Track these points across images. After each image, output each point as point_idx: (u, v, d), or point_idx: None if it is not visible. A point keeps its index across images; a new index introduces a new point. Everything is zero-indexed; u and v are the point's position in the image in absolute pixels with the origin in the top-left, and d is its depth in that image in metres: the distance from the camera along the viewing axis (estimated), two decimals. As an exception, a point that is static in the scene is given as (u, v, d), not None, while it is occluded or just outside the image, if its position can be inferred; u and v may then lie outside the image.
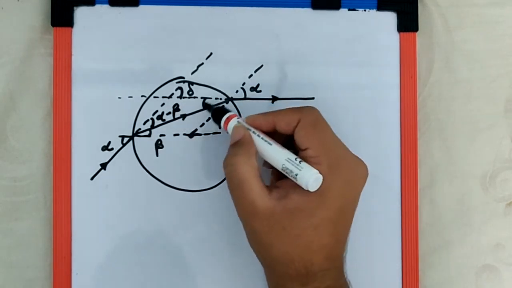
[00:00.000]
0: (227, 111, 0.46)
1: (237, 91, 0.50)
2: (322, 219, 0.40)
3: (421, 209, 0.51)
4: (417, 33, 0.51)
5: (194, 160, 0.49)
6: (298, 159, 0.41)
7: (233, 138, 0.43)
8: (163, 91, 0.49)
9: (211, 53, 0.50)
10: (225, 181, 0.49)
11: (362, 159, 0.43)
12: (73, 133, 0.48)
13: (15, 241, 0.49)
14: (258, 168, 0.41)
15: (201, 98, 0.49)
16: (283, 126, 0.43)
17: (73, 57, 0.49)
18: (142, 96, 0.49)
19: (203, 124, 0.49)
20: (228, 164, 0.42)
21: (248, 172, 0.41)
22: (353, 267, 0.49)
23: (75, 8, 0.49)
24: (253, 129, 0.43)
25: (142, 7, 0.50)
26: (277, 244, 0.40)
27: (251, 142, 0.43)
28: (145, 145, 0.49)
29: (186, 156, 0.49)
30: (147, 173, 0.49)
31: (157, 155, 0.49)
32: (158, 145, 0.49)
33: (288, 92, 0.50)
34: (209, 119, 0.49)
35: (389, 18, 0.51)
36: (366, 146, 0.50)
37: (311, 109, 0.43)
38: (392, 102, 0.51)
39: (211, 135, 0.49)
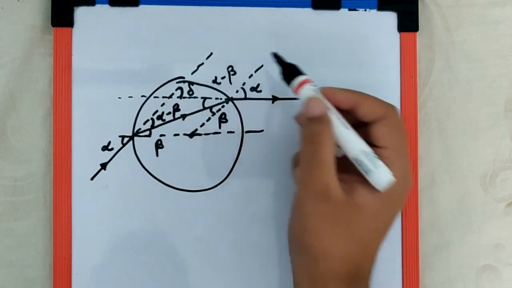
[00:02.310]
0: (299, 72, 0.42)
1: (237, 91, 0.50)
2: (385, 223, 0.39)
3: (421, 209, 0.51)
4: (417, 33, 0.51)
5: (194, 160, 0.49)
6: (375, 155, 0.39)
7: (311, 111, 0.40)
8: (163, 91, 0.49)
9: (211, 53, 0.50)
10: (225, 181, 0.49)
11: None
12: (73, 133, 0.48)
13: (15, 241, 0.49)
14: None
15: (201, 98, 0.49)
16: (367, 112, 0.40)
17: (73, 57, 0.49)
18: (142, 96, 0.49)
19: (203, 124, 0.49)
20: (312, 140, 0.39)
21: (329, 154, 0.39)
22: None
23: (75, 8, 0.49)
24: (328, 104, 0.41)
25: (142, 7, 0.50)
26: (335, 237, 0.38)
27: (331, 120, 0.40)
28: (145, 145, 0.49)
29: (186, 156, 0.49)
30: (147, 173, 0.49)
31: (157, 155, 0.49)
32: (158, 145, 0.49)
33: (288, 92, 0.50)
34: (209, 119, 0.49)
35: (390, 18, 0.51)
36: (366, 146, 0.50)
37: (396, 109, 0.42)
38: (392, 102, 0.50)
39: (211, 135, 0.49)
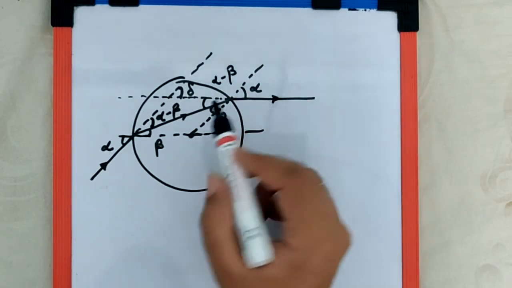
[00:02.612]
0: (228, 128, 0.43)
1: (237, 91, 0.50)
2: None
3: (421, 209, 0.51)
4: (417, 33, 0.51)
5: (194, 160, 0.49)
6: (257, 233, 0.39)
7: (209, 189, 0.41)
8: (163, 91, 0.49)
9: (211, 53, 0.50)
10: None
11: (346, 228, 0.40)
12: (73, 133, 0.48)
13: (15, 241, 0.49)
14: (233, 229, 0.39)
15: (201, 98, 0.49)
16: (265, 182, 0.40)
17: (73, 57, 0.49)
18: (142, 96, 0.49)
19: (203, 124, 0.49)
20: (202, 225, 0.40)
21: (222, 235, 0.39)
22: (353, 267, 0.49)
23: (75, 8, 0.49)
24: (236, 173, 0.41)
25: (142, 7, 0.50)
26: None
27: (226, 197, 0.40)
28: (145, 145, 0.49)
29: (186, 156, 0.49)
30: (147, 173, 0.49)
31: (157, 155, 0.49)
32: (158, 145, 0.49)
33: (288, 92, 0.50)
34: (209, 119, 0.49)
35: (390, 18, 0.51)
36: (366, 146, 0.50)
37: (302, 175, 0.40)
38: (392, 102, 0.51)
39: (211, 135, 0.49)
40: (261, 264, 0.38)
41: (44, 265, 0.49)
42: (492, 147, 0.52)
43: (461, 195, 0.52)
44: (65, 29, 0.49)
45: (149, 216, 0.49)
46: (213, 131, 0.44)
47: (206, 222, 0.40)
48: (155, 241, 0.49)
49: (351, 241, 0.40)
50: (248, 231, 0.39)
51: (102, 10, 0.49)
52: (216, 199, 0.40)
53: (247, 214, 0.40)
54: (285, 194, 0.39)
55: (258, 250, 0.38)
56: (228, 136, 0.43)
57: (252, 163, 0.41)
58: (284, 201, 0.39)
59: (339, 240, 0.40)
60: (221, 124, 0.43)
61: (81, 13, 0.49)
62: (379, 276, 0.50)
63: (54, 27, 0.49)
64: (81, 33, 0.49)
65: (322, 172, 0.49)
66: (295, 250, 0.38)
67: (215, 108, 0.48)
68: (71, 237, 0.48)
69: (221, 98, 0.50)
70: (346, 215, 0.50)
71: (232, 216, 0.40)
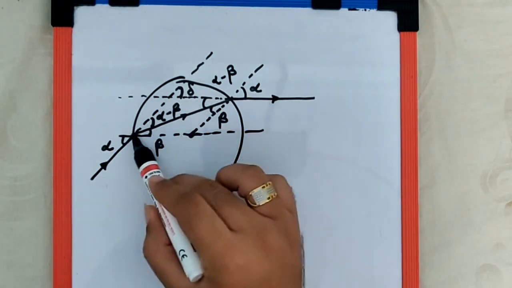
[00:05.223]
0: (148, 157, 0.46)
1: (237, 91, 0.50)
2: None
3: (421, 209, 0.51)
4: (417, 33, 0.51)
5: (194, 160, 0.49)
6: (181, 254, 0.41)
7: (145, 219, 0.45)
8: (163, 91, 0.49)
9: (211, 53, 0.50)
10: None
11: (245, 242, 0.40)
12: (73, 133, 0.48)
13: (15, 240, 0.49)
14: (171, 251, 0.42)
15: (201, 97, 0.49)
16: (166, 209, 0.43)
17: (73, 57, 0.49)
18: (142, 95, 0.49)
19: (203, 124, 0.49)
20: (144, 255, 0.43)
21: (160, 260, 0.42)
22: (353, 267, 0.50)
23: (75, 7, 0.49)
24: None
25: (142, 6, 0.50)
26: None
27: (159, 226, 0.43)
28: (145, 144, 0.49)
29: (186, 156, 0.49)
30: (147, 173, 0.49)
31: (157, 154, 0.49)
32: (158, 144, 0.49)
33: (288, 92, 0.50)
34: (209, 118, 0.49)
35: (390, 18, 0.51)
36: (366, 146, 0.50)
37: (188, 200, 0.40)
38: (392, 101, 0.51)
39: (211, 134, 0.49)
40: (197, 279, 0.40)
41: (44, 264, 0.49)
42: (493, 147, 0.52)
43: (461, 195, 0.52)
44: (65, 29, 0.49)
45: (149, 215, 0.49)
46: (135, 160, 0.47)
47: (146, 252, 0.43)
48: (155, 241, 0.49)
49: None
50: (180, 251, 0.42)
51: (102, 10, 0.49)
52: (151, 228, 0.44)
53: (174, 238, 0.42)
54: (179, 221, 0.41)
55: (188, 268, 0.41)
56: (147, 166, 0.46)
57: (156, 193, 0.44)
58: (182, 228, 0.41)
59: (242, 251, 0.39)
60: (141, 155, 0.47)
61: (81, 13, 0.49)
62: (379, 276, 0.50)
63: (54, 27, 0.49)
64: (81, 33, 0.49)
65: (322, 171, 0.49)
66: (205, 269, 0.40)
67: (135, 142, 0.48)
68: (71, 237, 0.48)
69: (221, 98, 0.50)
70: (346, 214, 0.50)
71: (166, 240, 0.43)
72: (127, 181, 0.49)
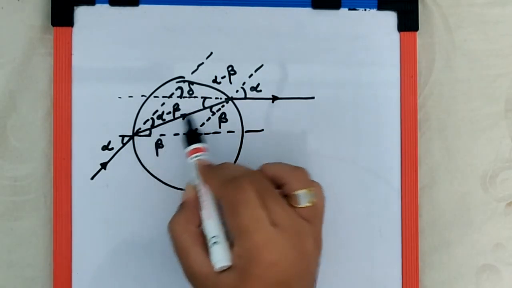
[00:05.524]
0: (198, 140, 0.46)
1: (237, 91, 0.50)
2: None
3: (421, 209, 0.51)
4: (417, 33, 0.51)
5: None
6: (212, 241, 0.41)
7: (182, 197, 0.44)
8: (163, 91, 0.49)
9: (211, 53, 0.50)
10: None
11: (290, 231, 0.40)
12: (73, 133, 0.48)
13: (15, 240, 0.49)
14: (200, 233, 0.42)
15: (201, 97, 0.49)
16: (211, 191, 0.43)
17: (73, 57, 0.49)
18: (142, 95, 0.49)
19: (203, 124, 0.49)
20: (170, 229, 0.43)
21: (186, 241, 0.41)
22: (353, 267, 0.50)
23: (75, 7, 0.49)
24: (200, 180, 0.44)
25: (142, 6, 0.50)
26: None
27: (194, 207, 0.43)
28: (145, 144, 0.49)
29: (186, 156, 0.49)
30: (147, 173, 0.49)
31: (157, 154, 0.49)
32: (158, 144, 0.49)
33: (288, 92, 0.50)
34: (209, 118, 0.49)
35: (390, 18, 0.51)
36: (366, 146, 0.50)
37: (238, 184, 0.40)
38: (392, 101, 0.51)
39: (211, 134, 0.49)
40: (222, 269, 0.40)
41: (44, 264, 0.49)
42: (493, 147, 0.52)
43: (461, 195, 0.52)
44: (65, 29, 0.49)
45: (149, 215, 0.49)
46: (184, 143, 0.46)
47: (173, 227, 0.42)
48: (155, 241, 0.49)
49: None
50: (211, 237, 0.41)
51: (102, 10, 0.49)
52: (185, 206, 0.43)
53: (209, 222, 0.42)
54: (224, 204, 0.41)
55: (217, 256, 0.40)
56: (196, 148, 0.46)
57: (203, 173, 0.44)
58: (225, 211, 0.41)
59: (278, 247, 0.39)
60: (191, 137, 0.47)
61: (81, 13, 0.49)
62: (379, 276, 0.50)
63: (54, 27, 0.49)
64: (81, 33, 0.49)
65: (322, 171, 0.49)
66: (238, 258, 0.39)
67: (188, 123, 0.48)
68: (71, 237, 0.48)
69: (221, 98, 0.50)
70: (346, 214, 0.50)
71: (198, 222, 0.42)
72: (127, 181, 0.49)
